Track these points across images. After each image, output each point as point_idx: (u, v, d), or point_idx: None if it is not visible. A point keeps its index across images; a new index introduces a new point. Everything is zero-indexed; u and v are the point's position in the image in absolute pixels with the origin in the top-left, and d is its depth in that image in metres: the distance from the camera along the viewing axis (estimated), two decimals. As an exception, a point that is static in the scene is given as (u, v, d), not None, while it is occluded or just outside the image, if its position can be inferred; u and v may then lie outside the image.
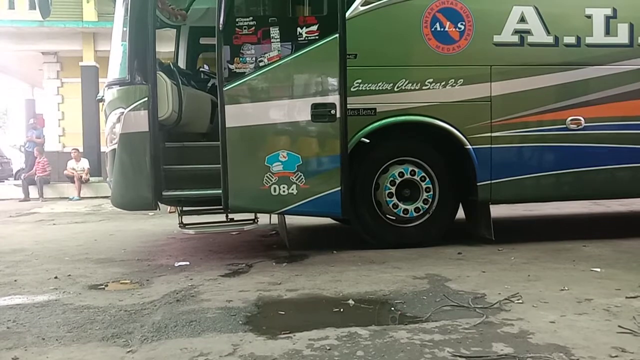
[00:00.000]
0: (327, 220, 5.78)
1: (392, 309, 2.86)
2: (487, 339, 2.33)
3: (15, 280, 3.70)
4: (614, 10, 4.59)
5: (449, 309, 2.79)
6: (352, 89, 4.21)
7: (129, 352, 2.29)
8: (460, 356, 2.15)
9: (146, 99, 4.04)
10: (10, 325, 2.70)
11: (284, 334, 2.46)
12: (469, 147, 4.42)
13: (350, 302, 2.97)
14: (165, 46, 6.15)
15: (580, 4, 4.57)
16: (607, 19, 4.59)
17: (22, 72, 16.47)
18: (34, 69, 15.00)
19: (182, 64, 5.88)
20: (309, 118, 4.03)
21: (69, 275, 3.83)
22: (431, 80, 4.37)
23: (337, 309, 2.86)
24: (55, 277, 3.76)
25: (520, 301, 2.89)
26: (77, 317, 2.80)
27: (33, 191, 11.38)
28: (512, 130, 4.48)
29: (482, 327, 2.50)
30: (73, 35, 13.13)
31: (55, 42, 13.27)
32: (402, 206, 4.44)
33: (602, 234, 4.88)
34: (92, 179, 12.04)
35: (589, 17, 4.58)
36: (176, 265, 4.10)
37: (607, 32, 4.59)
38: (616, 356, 2.11)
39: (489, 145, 4.45)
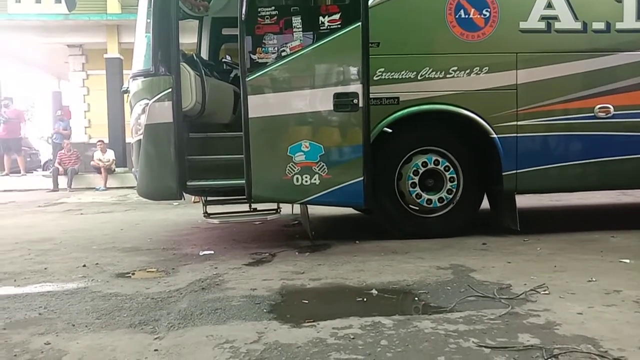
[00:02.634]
0: (349, 211, 5.78)
1: (416, 299, 2.85)
2: (513, 330, 2.31)
3: (45, 268, 3.80)
4: (646, -7, 4.44)
5: (473, 299, 2.77)
6: (374, 78, 4.18)
7: (156, 338, 2.34)
8: (485, 347, 2.14)
9: (170, 90, 4.08)
10: (41, 311, 2.77)
11: (307, 322, 2.48)
12: (494, 136, 4.35)
13: (374, 291, 2.97)
14: (188, 37, 6.17)
15: (610, -12, 4.44)
16: (639, 3, 4.45)
17: (49, 65, 16.78)
18: (60, 61, 15.26)
19: (204, 55, 5.92)
20: (331, 108, 4.02)
21: (97, 263, 3.92)
22: (455, 68, 4.31)
23: (361, 299, 2.86)
24: (84, 266, 3.84)
25: (546, 292, 2.85)
26: (106, 305, 2.86)
27: (61, 181, 11.63)
28: (538, 118, 4.39)
29: (507, 317, 2.47)
30: (97, 28, 13.31)
31: (80, 34, 13.46)
32: (425, 196, 4.40)
33: (631, 225, 4.77)
34: (117, 169, 12.25)
35: (620, 1, 4.44)
36: (201, 254, 4.15)
37: (639, 17, 4.45)
38: (646, 348, 2.07)
39: (515, 134, 4.37)
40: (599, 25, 4.43)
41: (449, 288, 3.01)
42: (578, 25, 4.41)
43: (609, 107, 4.42)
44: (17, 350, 2.23)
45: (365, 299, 2.86)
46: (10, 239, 5.07)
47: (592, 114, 4.42)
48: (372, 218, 4.86)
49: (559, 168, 4.43)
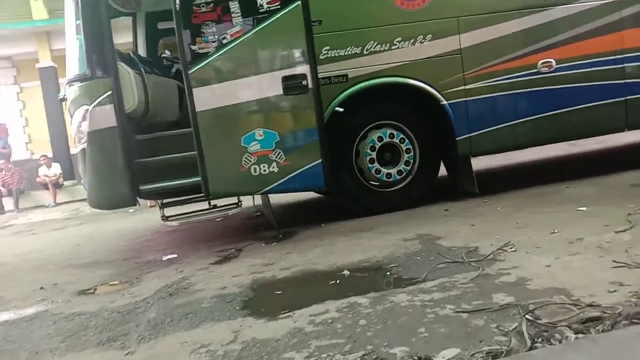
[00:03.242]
0: (310, 195, 5.74)
1: (388, 273, 2.84)
2: (486, 291, 2.33)
3: (0, 296, 3.59)
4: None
5: (444, 266, 2.78)
6: (320, 57, 4.11)
7: (127, 354, 2.23)
8: (462, 312, 2.14)
9: (110, 92, 3.89)
10: (0, 343, 2.60)
11: (283, 313, 2.42)
12: (444, 102, 4.37)
13: (346, 272, 2.95)
14: (123, 37, 5.91)
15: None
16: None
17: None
18: (-12, 76, 14.43)
19: (142, 52, 5.67)
20: (281, 92, 3.93)
21: (55, 283, 3.73)
22: (400, 39, 4.29)
23: (333, 282, 2.83)
24: (41, 288, 3.64)
25: (513, 249, 2.89)
26: (69, 326, 2.72)
27: (8, 203, 11.08)
28: (485, 80, 4.43)
29: (479, 280, 2.49)
30: (26, 36, 12.62)
31: (8, 45, 12.74)
32: (384, 171, 4.40)
33: (582, 174, 4.92)
34: (66, 183, 11.76)
35: (548, -43, 4.51)
36: (164, 259, 4.02)
37: (569, -28, 4.54)
38: (615, 290, 2.12)
39: (464, 99, 4.41)
40: (534, -17, 4.49)
41: (419, 258, 3.02)
42: (514, -17, 4.46)
43: (551, 62, 4.50)
44: (-24, 389, 2.09)
45: (338, 281, 2.82)
46: (-42, 270, 4.76)
47: (536, 70, 4.50)
48: (335, 199, 4.83)
49: (509, 127, 4.50)
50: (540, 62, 4.50)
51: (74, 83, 4.17)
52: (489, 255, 2.84)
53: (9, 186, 11.27)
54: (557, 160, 6.71)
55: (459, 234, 3.42)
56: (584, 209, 3.60)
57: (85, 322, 2.75)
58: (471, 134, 4.41)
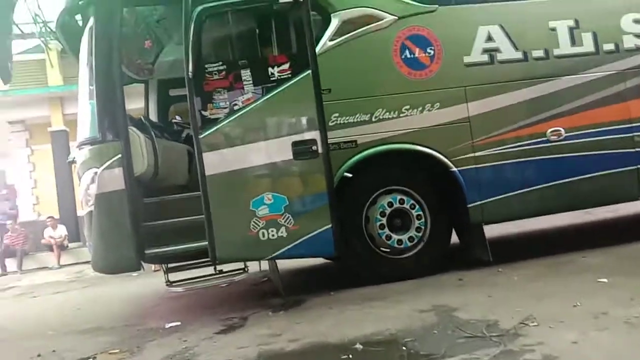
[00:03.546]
0: (318, 260, 5.61)
1: (404, 348, 2.68)
2: (510, 370, 2.19)
3: (-7, 366, 3.43)
4: (576, 21, 4.66)
5: (463, 341, 2.64)
6: (330, 124, 4.14)
7: None
8: (486, 393, 1.99)
9: (120, 155, 3.90)
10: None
11: (293, 392, 2.27)
12: (454, 169, 4.35)
13: (358, 346, 2.79)
14: (135, 102, 6.03)
15: (543, 18, 4.63)
16: (571, 30, 4.66)
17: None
18: (1, 139, 14.69)
19: (153, 117, 5.76)
20: (291, 157, 3.92)
21: (54, 350, 3.56)
22: (408, 107, 4.33)
23: (345, 356, 2.67)
24: (39, 356, 3.48)
25: (535, 323, 2.76)
26: (65, 400, 2.56)
27: (10, 264, 10.95)
28: (495, 148, 4.44)
29: (502, 357, 2.36)
30: (40, 102, 12.96)
31: (22, 110, 13.06)
32: (395, 237, 4.30)
33: (597, 243, 4.80)
34: (71, 245, 11.66)
35: (554, 29, 4.63)
36: (167, 326, 3.86)
37: (573, 42, 4.65)
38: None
39: (474, 166, 4.39)
40: (539, 53, 4.59)
41: (436, 332, 2.87)
42: (519, 55, 4.55)
43: (560, 130, 4.52)
44: None
45: (350, 356, 2.67)
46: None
47: (545, 138, 4.51)
48: (344, 265, 4.71)
49: (521, 195, 4.45)
50: (549, 130, 4.52)
51: (84, 146, 4.20)
52: (510, 329, 2.70)
53: (14, 247, 11.18)
54: (570, 228, 6.60)
55: (476, 305, 3.27)
56: (605, 280, 3.47)
57: (82, 396, 2.59)
58: (482, 201, 4.36)
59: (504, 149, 4.47)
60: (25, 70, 12.36)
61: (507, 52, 4.54)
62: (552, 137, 4.53)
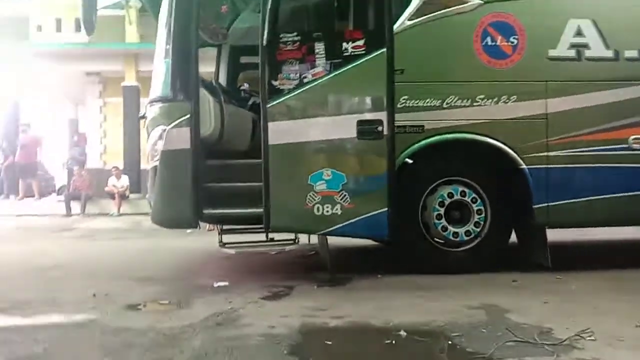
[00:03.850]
0: (369, 241, 5.56)
1: (450, 342, 2.62)
2: (562, 382, 2.08)
3: (54, 298, 3.63)
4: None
5: (513, 344, 2.54)
6: (398, 106, 4.03)
7: (168, 382, 2.14)
8: (534, 401, 1.91)
9: (188, 116, 3.97)
10: (46, 346, 2.59)
11: (333, 367, 2.27)
12: (524, 167, 4.16)
13: (402, 333, 2.75)
14: (206, 66, 6.13)
15: (641, 16, 4.30)
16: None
17: (67, 92, 16.96)
18: (77, 89, 15.42)
19: (223, 82, 5.84)
20: (355, 135, 3.87)
21: (107, 294, 3.73)
22: (482, 96, 4.16)
23: (389, 341, 2.64)
24: (94, 295, 3.66)
25: (592, 338, 2.61)
26: (115, 340, 2.68)
27: (75, 207, 11.57)
28: (570, 149, 4.20)
29: (554, 366, 2.24)
30: (115, 56, 13.46)
31: (98, 63, 13.62)
32: (451, 229, 4.19)
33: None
34: (131, 195, 12.17)
35: (652, 29, 4.29)
36: (215, 285, 3.96)
37: (674, 45, 4.29)
38: None
39: (546, 165, 4.18)
40: (632, 54, 4.27)
41: (484, 331, 2.78)
42: (610, 54, 4.26)
43: (644, 138, 4.22)
44: (17, 392, 2.05)
45: (394, 342, 2.63)
46: (22, 265, 4.94)
47: (627, 145, 4.23)
48: (394, 251, 4.65)
49: (593, 201, 4.20)
50: (632, 137, 4.23)
51: (155, 103, 4.31)
52: (564, 340, 2.57)
53: (79, 191, 11.79)
54: (637, 242, 6.21)
55: (530, 310, 3.15)
56: (674, 303, 3.25)
57: (131, 339, 2.70)
58: (550, 204, 4.15)
59: (580, 151, 4.23)
60: (105, 25, 12.76)
61: (597, 49, 4.25)
62: (635, 144, 4.24)
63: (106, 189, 12.03)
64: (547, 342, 2.54)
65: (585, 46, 4.26)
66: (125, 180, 12.05)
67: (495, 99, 4.17)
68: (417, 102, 4.14)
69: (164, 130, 4.05)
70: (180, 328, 2.89)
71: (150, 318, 3.13)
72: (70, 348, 2.56)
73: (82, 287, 3.97)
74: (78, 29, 12.54)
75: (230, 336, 2.73)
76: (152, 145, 4.26)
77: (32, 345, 2.61)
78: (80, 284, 4.11)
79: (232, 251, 4.42)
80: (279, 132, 3.89)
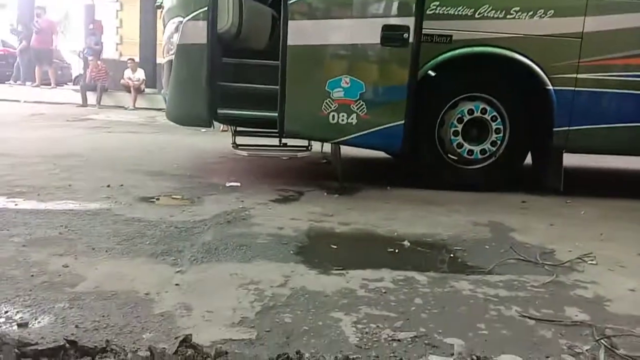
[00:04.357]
0: (381, 154, 5.55)
1: (452, 255, 2.67)
2: (559, 301, 2.13)
3: (69, 185, 3.72)
4: None
5: (514, 262, 2.59)
6: (428, 12, 3.80)
7: (177, 272, 2.23)
8: (529, 317, 1.97)
9: (206, 8, 3.79)
10: (62, 230, 2.69)
11: (336, 269, 2.34)
12: (550, 87, 4.00)
13: (406, 243, 2.80)
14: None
15: None
16: None
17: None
18: (94, -28, 14.82)
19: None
20: (378, 41, 3.68)
21: (121, 185, 3.81)
22: (518, 8, 3.90)
23: (392, 249, 2.70)
24: (108, 186, 3.75)
25: (593, 262, 2.64)
26: (128, 229, 2.77)
27: (90, 97, 11.57)
28: (601, 73, 4.00)
29: (552, 286, 2.29)
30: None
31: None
32: (467, 146, 4.13)
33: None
34: (147, 90, 12.10)
35: None
36: (227, 185, 4.02)
37: None
38: None
39: (573, 88, 4.01)
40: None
41: (487, 247, 2.83)
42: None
43: (683, 67, 3.99)
44: (34, 270, 2.15)
45: (397, 250, 2.69)
46: (37, 152, 5.01)
47: (660, 73, 4.01)
48: (406, 165, 4.63)
49: (617, 129, 4.07)
50: (668, 65, 4.01)
51: (173, -8, 4.12)
52: (565, 262, 2.60)
53: (95, 81, 11.72)
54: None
55: (535, 231, 3.17)
56: (682, 234, 3.24)
57: (143, 229, 2.78)
58: (571, 128, 4.04)
59: (610, 75, 4.03)
60: None
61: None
62: (670, 73, 4.02)
63: (122, 81, 11.95)
64: (548, 263, 2.57)
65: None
66: (141, 74, 11.92)
67: (531, 13, 3.92)
68: (448, 9, 3.91)
69: (181, 22, 3.90)
70: (191, 223, 2.96)
71: (162, 211, 3.20)
72: (84, 234, 2.65)
73: (97, 177, 4.05)
74: None
75: (239, 233, 2.81)
76: (168, 38, 4.13)
77: (48, 228, 2.71)
78: (94, 173, 4.19)
79: (245, 153, 4.43)
80: (299, 32, 3.72)
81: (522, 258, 2.63)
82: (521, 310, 2.01)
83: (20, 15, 13.58)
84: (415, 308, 1.99)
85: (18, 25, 13.18)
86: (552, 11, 3.93)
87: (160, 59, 4.85)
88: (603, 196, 4.31)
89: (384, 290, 2.14)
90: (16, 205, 3.14)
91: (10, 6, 15.55)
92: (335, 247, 2.73)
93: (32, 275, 2.09)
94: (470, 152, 4.14)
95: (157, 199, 3.55)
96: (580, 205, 3.94)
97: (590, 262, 2.65)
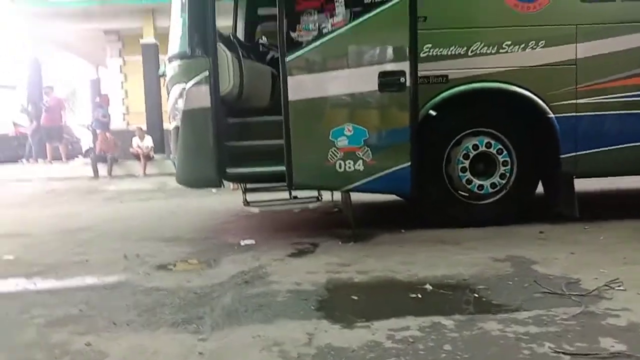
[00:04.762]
0: (391, 197, 5.54)
1: (476, 295, 2.62)
2: (592, 333, 2.07)
3: (86, 260, 3.73)
4: None
5: (540, 296, 2.53)
6: (421, 55, 3.90)
7: (200, 339, 2.20)
8: (563, 353, 1.91)
9: (207, 73, 3.91)
10: (82, 307, 2.68)
11: (360, 322, 2.30)
12: (552, 115, 4.03)
13: (428, 286, 2.76)
14: (223, 20, 6.00)
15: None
16: None
17: (87, 52, 16.96)
18: (97, 48, 15.39)
19: (240, 36, 5.72)
20: (376, 88, 3.77)
21: (137, 254, 3.82)
22: (509, 42, 3.99)
23: (415, 295, 2.66)
24: (124, 257, 3.76)
25: (621, 288, 2.58)
26: (147, 300, 2.75)
27: (101, 169, 11.77)
28: (601, 96, 4.04)
29: (582, 317, 2.23)
30: (133, 13, 13.30)
31: (116, 20, 13.49)
32: (476, 181, 4.13)
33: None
34: (156, 156, 12.30)
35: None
36: (242, 244, 4.02)
37: None
38: None
39: (574, 114, 4.04)
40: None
41: (511, 283, 2.77)
42: (647, -9, 4.01)
43: (681, 83, 4.01)
44: (57, 352, 2.13)
45: (419, 295, 2.65)
46: (52, 229, 5.07)
47: (661, 90, 4.04)
48: (416, 206, 4.61)
49: (624, 149, 4.07)
50: (667, 82, 4.03)
51: (174, 60, 4.25)
52: (593, 290, 2.55)
53: (105, 153, 11.96)
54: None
55: (557, 261, 3.12)
56: None
57: (163, 298, 2.77)
58: (578, 153, 4.04)
59: (610, 98, 4.07)
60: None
61: (633, -13, 4.01)
62: (669, 89, 4.04)
63: (131, 150, 12.17)
64: (575, 293, 2.51)
65: (621, -16, 4.02)
66: (149, 141, 12.14)
67: (523, 45, 4.01)
68: (440, 50, 4.01)
69: (184, 88, 4.01)
70: (210, 287, 2.95)
71: (180, 277, 3.19)
72: (104, 309, 2.64)
73: (112, 249, 4.07)
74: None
75: (258, 293, 2.78)
76: (172, 105, 4.23)
77: (68, 307, 2.69)
78: (109, 246, 4.21)
79: (256, 210, 4.45)
80: (299, 87, 3.81)
81: (547, 291, 2.57)
82: (554, 347, 1.95)
83: (29, 95, 14.05)
84: (446, 355, 1.94)
85: (28, 105, 13.62)
86: (543, 42, 4.01)
87: (167, 125, 4.96)
88: (619, 218, 4.25)
89: (411, 340, 2.09)
90: (35, 285, 3.15)
91: (20, 87, 16.12)
92: (356, 297, 2.69)
93: (55, 358, 2.08)
94: (481, 187, 4.13)
95: (174, 266, 3.55)
96: (598, 230, 3.88)
97: (618, 288, 2.59)
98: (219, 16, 4.11)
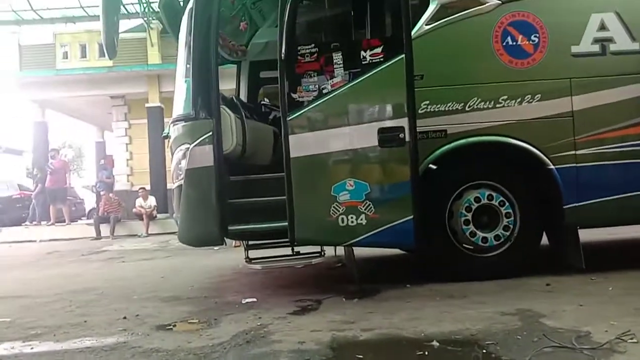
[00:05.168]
0: (395, 251, 5.50)
1: (485, 351, 2.54)
2: (606, 389, 1.99)
3: (85, 321, 3.66)
4: None
5: (550, 350, 2.46)
6: (419, 111, 3.98)
7: (200, 402, 2.13)
8: (578, 411, 1.83)
9: (210, 133, 3.99)
10: (80, 370, 2.61)
11: (366, 382, 2.22)
12: (552, 167, 4.06)
13: (435, 343, 2.68)
14: (227, 83, 6.20)
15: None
16: None
17: (93, 116, 17.42)
18: (103, 112, 15.81)
19: (243, 98, 5.88)
20: (376, 143, 3.83)
21: (137, 315, 3.76)
22: (505, 97, 4.09)
23: (421, 352, 2.58)
24: (124, 318, 3.69)
25: (634, 340, 2.51)
26: (146, 362, 2.68)
27: (104, 229, 11.78)
28: (600, 146, 4.09)
29: (596, 373, 2.15)
30: (139, 79, 13.79)
31: (122, 85, 13.98)
32: (480, 234, 4.10)
33: None
34: (159, 215, 12.34)
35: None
36: (243, 302, 3.95)
37: None
38: None
39: (574, 164, 4.07)
40: (660, 45, 4.15)
41: (520, 337, 2.69)
42: (636, 46, 4.14)
43: (676, 132, 4.07)
44: (51, 418, 2.06)
45: (426, 353, 2.57)
46: (53, 290, 5.01)
47: (658, 139, 4.09)
48: (421, 260, 4.57)
49: (625, 199, 4.07)
50: (664, 130, 4.09)
51: (178, 122, 4.34)
52: (604, 343, 2.47)
53: (108, 214, 12.01)
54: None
55: (565, 313, 3.04)
56: None
57: (162, 360, 2.70)
58: (580, 203, 4.04)
59: (609, 148, 4.12)
60: (127, 48, 13.15)
61: (622, 42, 4.15)
62: (666, 138, 4.09)
63: (134, 210, 12.25)
64: (586, 347, 2.44)
65: (610, 40, 4.16)
66: (152, 201, 12.23)
67: (519, 99, 4.10)
68: (438, 106, 4.09)
69: (187, 148, 4.07)
70: (210, 347, 2.87)
71: (180, 338, 3.12)
72: (103, 370, 2.57)
73: (113, 309, 4.00)
74: (102, 54, 12.91)
75: (260, 353, 2.71)
76: (176, 165, 4.29)
77: (66, 369, 2.63)
78: (110, 306, 4.15)
79: (259, 267, 4.41)
80: (300, 144, 3.87)
81: (557, 345, 2.50)
82: (568, 404, 1.88)
83: (35, 159, 14.29)
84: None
85: (34, 169, 13.83)
86: (539, 95, 4.10)
87: (170, 184, 5.02)
88: (625, 268, 4.19)
89: (418, 399, 2.01)
90: (32, 349, 3.08)
91: (26, 152, 16.41)
92: (361, 356, 2.61)
93: None
94: (485, 239, 4.10)
95: (174, 326, 3.47)
96: (606, 280, 3.82)
97: (630, 340, 2.51)
98: (223, 80, 4.26)
